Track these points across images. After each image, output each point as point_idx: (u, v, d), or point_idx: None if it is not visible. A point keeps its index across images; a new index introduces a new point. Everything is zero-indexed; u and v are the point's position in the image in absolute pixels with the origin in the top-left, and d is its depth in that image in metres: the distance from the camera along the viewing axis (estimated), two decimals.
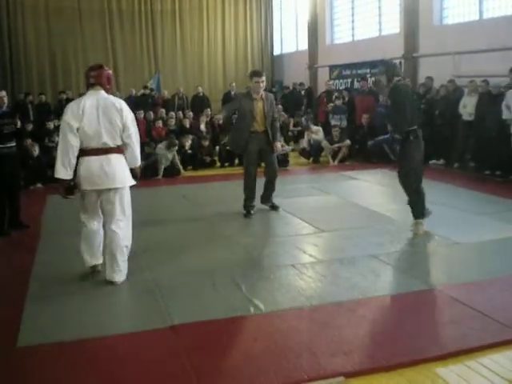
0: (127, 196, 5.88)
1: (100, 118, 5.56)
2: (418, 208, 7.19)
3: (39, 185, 11.32)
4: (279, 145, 8.73)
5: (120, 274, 5.71)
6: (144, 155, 12.37)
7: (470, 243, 6.74)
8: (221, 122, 14.06)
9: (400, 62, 15.60)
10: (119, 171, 5.68)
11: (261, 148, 8.41)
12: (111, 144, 5.64)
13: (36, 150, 11.68)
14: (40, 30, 21.10)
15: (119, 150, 5.71)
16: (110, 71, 5.97)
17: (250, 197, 8.56)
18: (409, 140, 6.95)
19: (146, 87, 19.05)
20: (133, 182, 5.91)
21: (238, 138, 8.50)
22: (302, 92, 19.46)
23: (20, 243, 7.50)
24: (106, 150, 5.62)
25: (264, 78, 8.29)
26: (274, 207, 8.80)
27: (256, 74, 8.40)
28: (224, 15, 23.75)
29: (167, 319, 4.76)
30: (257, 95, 8.27)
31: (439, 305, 4.98)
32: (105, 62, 21.28)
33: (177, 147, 12.65)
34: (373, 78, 16.48)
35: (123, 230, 5.78)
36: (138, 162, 5.99)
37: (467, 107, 11.75)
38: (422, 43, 15.16)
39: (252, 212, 8.53)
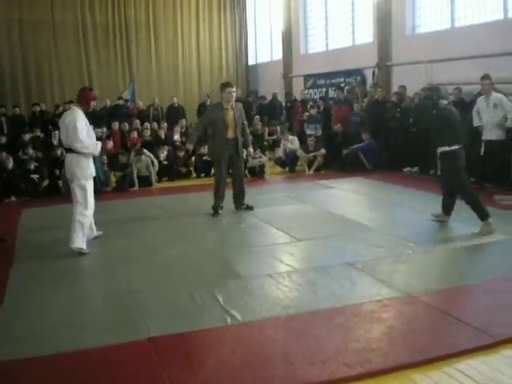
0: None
1: None
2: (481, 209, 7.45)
3: (13, 198, 11.20)
4: (251, 149, 9.64)
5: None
6: (119, 166, 12.37)
7: (445, 249, 6.80)
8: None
9: (374, 71, 15.76)
10: None
11: (231, 154, 8.99)
12: None
13: (10, 163, 11.56)
14: (13, 43, 20.96)
15: None
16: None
17: (221, 196, 9.12)
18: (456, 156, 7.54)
19: (121, 98, 18.96)
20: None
21: (215, 147, 9.04)
22: (288, 103, 19.24)
23: None
24: None
25: (234, 89, 9.04)
26: (249, 207, 9.33)
27: (228, 85, 9.08)
28: (198, 26, 23.78)
29: (144, 331, 4.73)
30: (228, 105, 8.85)
31: (415, 312, 5.00)
32: (79, 74, 21.56)
33: (147, 157, 12.67)
34: (347, 87, 16.63)
35: None
36: None
37: None
38: (395, 52, 15.32)
39: (220, 212, 9.09)
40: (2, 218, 8.52)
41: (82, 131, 7.15)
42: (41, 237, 8.30)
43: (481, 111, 10.35)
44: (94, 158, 7.65)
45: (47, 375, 4.13)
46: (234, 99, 8.95)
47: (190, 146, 9.63)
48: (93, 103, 7.65)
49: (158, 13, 23.02)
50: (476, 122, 10.45)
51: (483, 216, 7.40)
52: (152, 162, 12.77)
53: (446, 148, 7.51)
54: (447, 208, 8.01)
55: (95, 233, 7.89)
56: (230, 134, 8.90)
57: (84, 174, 7.27)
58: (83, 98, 7.47)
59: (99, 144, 7.56)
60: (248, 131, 9.39)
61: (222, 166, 9.05)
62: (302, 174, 13.39)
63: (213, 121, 8.94)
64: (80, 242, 7.18)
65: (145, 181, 12.54)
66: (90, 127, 7.48)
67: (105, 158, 12.56)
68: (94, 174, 7.46)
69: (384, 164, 13.13)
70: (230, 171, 9.47)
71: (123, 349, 4.46)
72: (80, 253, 7.12)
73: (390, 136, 13.28)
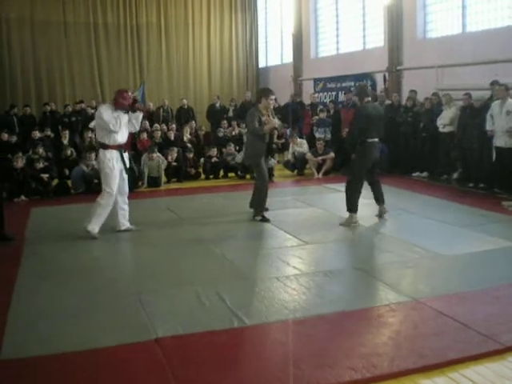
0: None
1: None
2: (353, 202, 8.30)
3: (23, 197, 11.25)
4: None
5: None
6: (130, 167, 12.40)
7: (453, 255, 6.79)
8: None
9: (384, 75, 15.74)
10: None
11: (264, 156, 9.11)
12: None
13: (22, 162, 11.60)
14: (25, 43, 21.01)
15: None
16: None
17: (265, 198, 9.06)
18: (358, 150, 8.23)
19: None
20: None
21: (257, 149, 8.86)
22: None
23: (4, 256, 7.44)
24: None
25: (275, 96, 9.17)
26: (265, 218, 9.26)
27: (272, 92, 8.96)
28: (209, 28, 23.79)
29: (151, 332, 4.75)
30: (265, 110, 8.81)
31: (422, 317, 4.99)
32: (90, 74, 21.63)
33: (158, 157, 12.77)
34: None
35: None
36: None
37: (442, 119, 11.89)
38: (406, 56, 15.29)
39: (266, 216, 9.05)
40: (12, 217, 8.54)
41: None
42: (49, 236, 8.33)
43: (494, 116, 10.31)
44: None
45: (54, 374, 4.15)
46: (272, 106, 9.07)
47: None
48: (125, 102, 8.00)
49: (169, 14, 23.03)
50: (489, 126, 10.39)
51: (351, 209, 8.29)
52: (161, 162, 12.85)
53: (368, 140, 8.14)
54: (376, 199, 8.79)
55: (128, 226, 8.32)
56: (266, 138, 8.99)
57: (105, 165, 7.89)
58: (118, 99, 7.98)
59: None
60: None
61: (263, 168, 8.97)
62: (311, 177, 13.40)
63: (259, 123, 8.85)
64: (92, 225, 7.89)
65: (154, 181, 12.58)
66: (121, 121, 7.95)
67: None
68: (118, 167, 7.95)
69: (393, 168, 13.12)
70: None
71: (130, 349, 4.48)
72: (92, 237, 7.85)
73: (400, 141, 13.27)
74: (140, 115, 8.28)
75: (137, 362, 4.26)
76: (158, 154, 13.04)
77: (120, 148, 7.99)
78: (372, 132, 8.17)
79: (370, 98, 8.41)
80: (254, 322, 4.93)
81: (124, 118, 7.98)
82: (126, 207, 8.28)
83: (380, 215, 8.74)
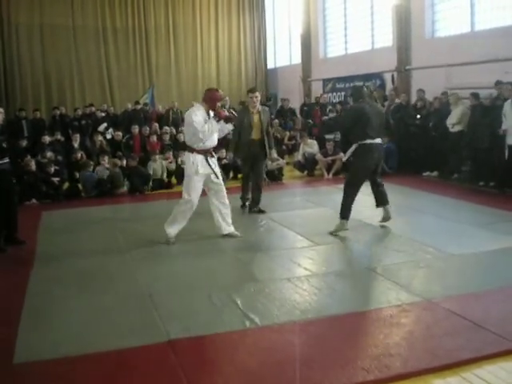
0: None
1: None
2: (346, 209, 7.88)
3: (34, 200, 11.29)
4: (274, 153, 10.16)
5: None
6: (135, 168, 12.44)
7: (465, 255, 6.76)
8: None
9: (392, 75, 15.72)
10: None
11: (254, 154, 9.43)
12: None
13: (33, 166, 11.66)
14: (34, 48, 21.19)
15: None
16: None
17: (247, 189, 9.84)
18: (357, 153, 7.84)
19: (137, 103, 18.96)
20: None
21: (241, 147, 9.58)
22: (305, 107, 19.17)
23: (16, 259, 7.48)
24: None
25: (257, 94, 9.49)
26: (261, 211, 9.56)
27: (251, 90, 9.73)
28: (217, 30, 23.87)
29: (164, 334, 4.76)
30: (253, 109, 9.36)
31: (435, 317, 4.97)
32: (99, 78, 21.72)
33: (161, 159, 13.00)
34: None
35: None
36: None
37: (450, 119, 11.87)
38: (415, 56, 15.27)
39: (246, 204, 9.79)
40: (24, 221, 8.57)
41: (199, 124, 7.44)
42: (61, 239, 8.36)
43: (506, 115, 10.27)
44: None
45: (67, 377, 4.17)
46: (258, 103, 9.43)
47: (231, 155, 10.59)
48: (218, 104, 7.77)
49: (177, 17, 23.14)
50: (504, 125, 10.35)
51: (343, 216, 7.86)
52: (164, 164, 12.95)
53: (361, 142, 7.76)
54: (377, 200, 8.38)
55: (229, 230, 8.03)
56: (255, 136, 9.38)
57: (188, 170, 7.65)
58: (208, 97, 7.72)
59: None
60: (271, 135, 9.87)
61: (245, 166, 9.74)
62: (321, 178, 13.36)
63: (240, 123, 9.30)
64: (170, 229, 7.74)
65: (158, 183, 12.61)
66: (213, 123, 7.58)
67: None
68: (203, 172, 7.61)
69: (403, 168, 13.09)
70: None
71: (143, 351, 4.49)
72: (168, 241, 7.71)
73: (410, 140, 13.24)
74: (231, 127, 8.07)
75: (149, 364, 4.27)
76: (161, 156, 13.20)
77: (206, 153, 7.62)
78: (371, 132, 7.69)
79: (365, 99, 8.03)
80: (266, 323, 4.93)
81: (216, 125, 7.55)
82: (225, 210, 7.94)
83: (384, 220, 8.28)
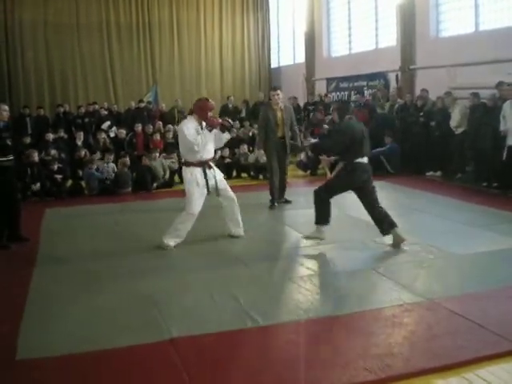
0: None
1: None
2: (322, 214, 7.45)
3: (38, 185, 11.45)
4: (298, 144, 10.41)
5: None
6: (140, 167, 12.44)
7: (466, 255, 6.77)
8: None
9: (397, 75, 15.70)
10: None
11: (279, 150, 9.80)
12: None
13: (35, 157, 11.74)
14: (38, 44, 21.17)
15: None
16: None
17: (274, 187, 9.91)
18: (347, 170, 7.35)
19: (141, 101, 18.98)
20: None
21: (268, 144, 9.89)
22: (309, 106, 19.15)
23: (19, 256, 7.50)
24: None
25: (279, 92, 9.85)
26: (287, 201, 10.19)
27: (272, 89, 10.37)
28: (221, 27, 23.83)
29: (165, 332, 4.77)
30: (276, 106, 9.77)
31: (437, 317, 4.98)
32: (103, 75, 21.74)
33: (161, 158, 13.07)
34: (369, 91, 16.62)
35: None
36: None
37: (452, 121, 11.92)
38: (419, 56, 15.23)
39: (276, 204, 9.93)
40: (27, 218, 8.59)
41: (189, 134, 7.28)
42: (64, 237, 8.39)
43: (506, 116, 10.28)
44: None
45: (69, 374, 4.19)
46: (279, 101, 9.77)
47: (260, 153, 11.14)
48: (209, 113, 7.48)
49: (181, 14, 23.09)
50: (502, 126, 10.36)
51: (319, 221, 7.42)
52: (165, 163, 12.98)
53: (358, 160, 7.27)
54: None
55: (236, 231, 8.00)
56: (279, 133, 9.76)
57: (187, 183, 7.47)
58: (197, 108, 7.54)
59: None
60: (297, 130, 10.43)
61: (272, 162, 9.91)
62: (324, 177, 13.30)
63: (265, 121, 9.80)
64: (171, 241, 7.49)
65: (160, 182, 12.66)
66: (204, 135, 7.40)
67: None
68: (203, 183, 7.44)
69: (406, 168, 13.09)
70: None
71: (145, 349, 4.50)
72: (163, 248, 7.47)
73: (413, 140, 13.23)
74: (228, 136, 7.88)
75: (152, 362, 4.28)
76: (163, 154, 13.34)
77: (204, 165, 7.47)
78: (362, 151, 7.28)
79: (351, 116, 7.69)
80: (268, 322, 4.94)
81: (210, 135, 7.45)
82: (235, 211, 7.88)
83: (395, 245, 7.25)
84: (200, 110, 7.46)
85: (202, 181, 7.41)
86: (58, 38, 21.33)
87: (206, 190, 7.47)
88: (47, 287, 6.13)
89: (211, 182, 7.49)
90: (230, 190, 7.87)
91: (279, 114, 9.74)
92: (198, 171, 7.41)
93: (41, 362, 4.37)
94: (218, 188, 7.62)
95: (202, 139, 7.27)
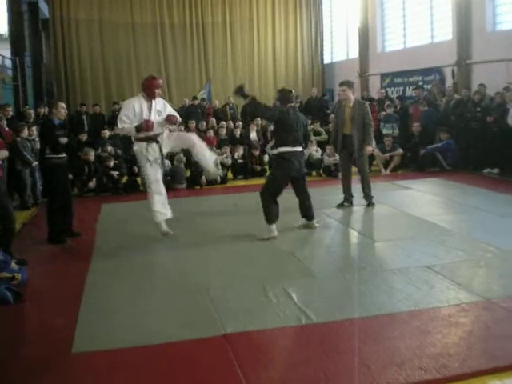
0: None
1: None
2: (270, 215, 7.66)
3: (94, 181, 11.72)
4: (369, 148, 9.43)
5: None
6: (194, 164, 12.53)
7: None
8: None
9: (453, 70, 15.43)
10: None
11: (348, 148, 9.37)
12: None
13: (92, 156, 11.98)
14: (94, 43, 21.60)
15: None
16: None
17: (345, 185, 9.62)
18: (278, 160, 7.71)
19: (195, 98, 19.17)
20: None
21: (335, 140, 9.66)
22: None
23: (75, 251, 7.66)
24: None
25: (344, 87, 9.23)
26: (372, 203, 9.60)
27: (340, 84, 9.47)
28: (274, 25, 23.83)
29: (220, 328, 4.80)
30: (345, 102, 9.31)
31: (494, 317, 4.88)
32: (157, 74, 21.89)
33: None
34: (427, 87, 16.36)
35: None
36: None
37: (510, 118, 11.66)
38: (475, 50, 14.94)
39: (345, 204, 9.58)
40: (83, 213, 8.77)
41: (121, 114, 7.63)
42: (119, 232, 8.52)
43: None
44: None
45: (125, 367, 4.27)
46: (344, 97, 9.29)
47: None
48: (157, 91, 7.73)
49: (234, 14, 23.21)
50: None
51: (268, 221, 7.64)
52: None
53: (281, 149, 7.62)
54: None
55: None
56: (347, 131, 9.30)
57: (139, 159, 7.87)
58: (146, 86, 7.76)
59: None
60: (370, 130, 9.28)
61: (341, 160, 9.80)
62: (378, 174, 13.22)
63: (335, 116, 9.72)
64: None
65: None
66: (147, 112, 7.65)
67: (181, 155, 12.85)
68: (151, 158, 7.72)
69: (463, 165, 12.87)
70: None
71: (199, 345, 4.54)
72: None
73: (470, 136, 12.99)
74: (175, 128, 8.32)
75: (206, 358, 4.32)
76: (217, 150, 13.36)
77: (148, 140, 7.72)
78: (292, 139, 7.59)
79: (292, 104, 7.86)
80: (322, 320, 4.92)
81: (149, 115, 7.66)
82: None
83: (304, 227, 8.13)
84: (147, 89, 7.70)
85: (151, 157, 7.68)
86: (113, 37, 21.77)
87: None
88: (102, 281, 6.24)
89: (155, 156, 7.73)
90: (187, 135, 8.35)
91: (347, 111, 9.26)
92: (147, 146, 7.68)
93: (96, 354, 4.46)
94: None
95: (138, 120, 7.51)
